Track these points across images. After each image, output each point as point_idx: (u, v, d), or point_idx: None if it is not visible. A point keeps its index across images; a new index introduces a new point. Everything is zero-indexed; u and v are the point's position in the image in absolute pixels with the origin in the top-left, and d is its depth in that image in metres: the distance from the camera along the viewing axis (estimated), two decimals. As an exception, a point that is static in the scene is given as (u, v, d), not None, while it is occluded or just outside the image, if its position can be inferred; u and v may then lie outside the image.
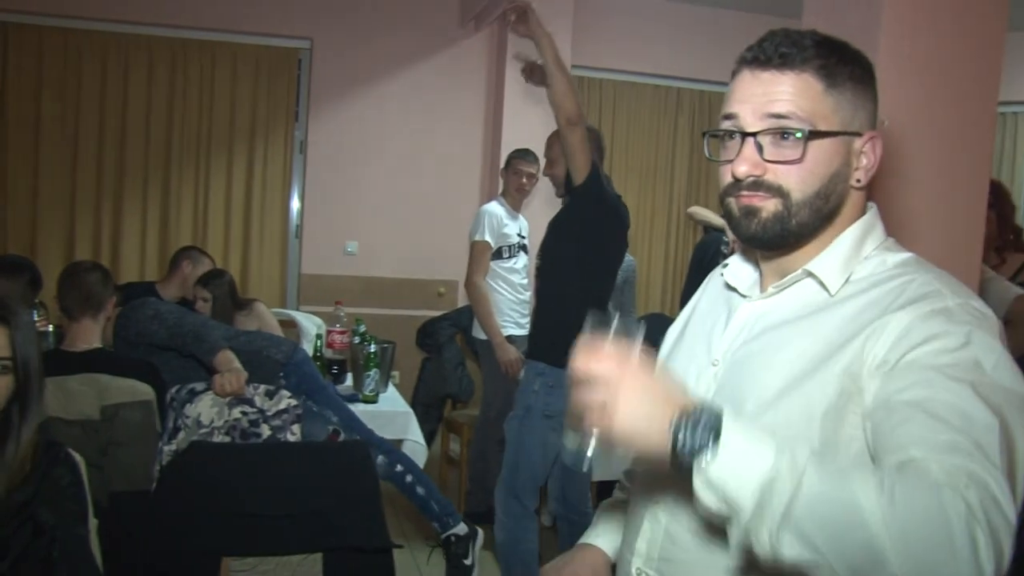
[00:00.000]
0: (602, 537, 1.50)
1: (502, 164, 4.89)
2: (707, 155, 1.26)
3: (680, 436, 0.93)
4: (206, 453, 2.34)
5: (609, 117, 6.29)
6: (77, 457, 1.97)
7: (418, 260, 5.92)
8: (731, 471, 0.91)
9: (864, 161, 1.17)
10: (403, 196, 5.87)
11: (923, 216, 2.28)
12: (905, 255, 1.19)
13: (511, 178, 4.66)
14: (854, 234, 1.18)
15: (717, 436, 0.92)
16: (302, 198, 5.84)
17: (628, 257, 4.67)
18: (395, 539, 2.24)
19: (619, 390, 0.96)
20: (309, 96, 5.75)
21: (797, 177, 1.13)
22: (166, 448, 2.79)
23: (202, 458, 2.27)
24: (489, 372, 4.48)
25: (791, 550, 0.88)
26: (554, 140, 3.45)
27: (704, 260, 4.64)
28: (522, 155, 4.66)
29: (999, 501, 0.87)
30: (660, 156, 6.49)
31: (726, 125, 1.17)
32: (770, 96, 1.13)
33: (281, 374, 3.29)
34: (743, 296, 1.28)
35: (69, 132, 5.34)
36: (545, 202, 4.82)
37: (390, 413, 3.76)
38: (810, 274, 1.18)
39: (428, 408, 5.00)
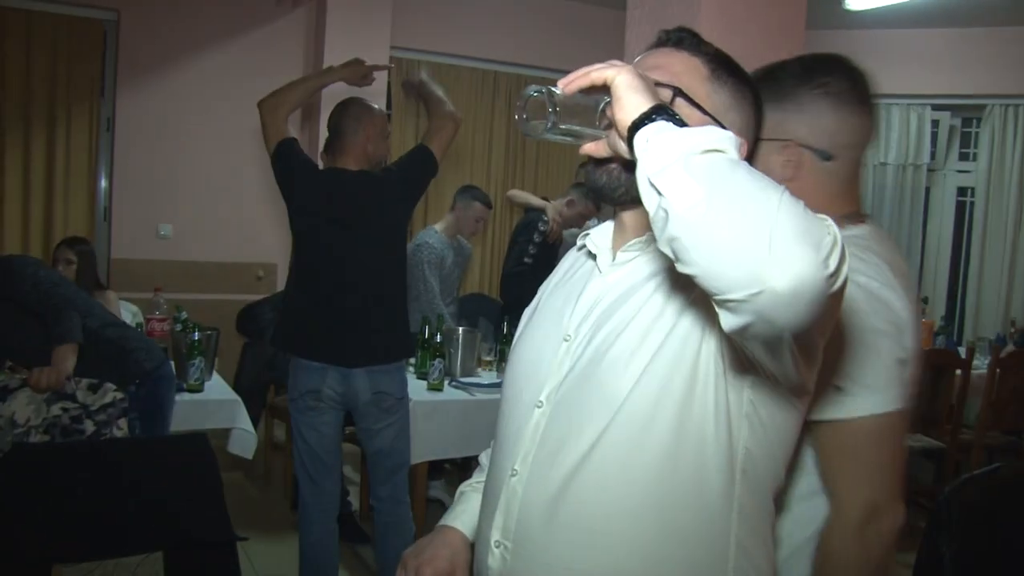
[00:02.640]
0: (460, 519, 1.53)
1: (321, 147, 4.82)
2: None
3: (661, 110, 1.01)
4: (30, 455, 2.21)
5: (429, 98, 6.31)
6: None
7: (235, 243, 5.75)
8: (673, 137, 0.97)
9: None
10: (218, 177, 5.67)
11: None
12: None
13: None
14: None
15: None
16: (110, 178, 5.54)
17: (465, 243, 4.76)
18: (239, 531, 2.20)
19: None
20: (116, 71, 5.44)
21: None
22: (-23, 450, 2.61)
23: (26, 461, 2.14)
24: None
25: (692, 171, 0.92)
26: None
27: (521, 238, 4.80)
28: None
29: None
30: (477, 139, 6.58)
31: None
32: (658, 65, 1.23)
33: (136, 383, 3.03)
34: (596, 269, 1.34)
35: None
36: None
37: (217, 402, 3.66)
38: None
39: (251, 394, 4.88)
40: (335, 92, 3.52)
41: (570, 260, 1.49)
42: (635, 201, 1.08)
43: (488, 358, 4.35)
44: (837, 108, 1.43)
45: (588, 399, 1.22)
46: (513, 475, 1.29)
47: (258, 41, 5.74)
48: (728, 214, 0.90)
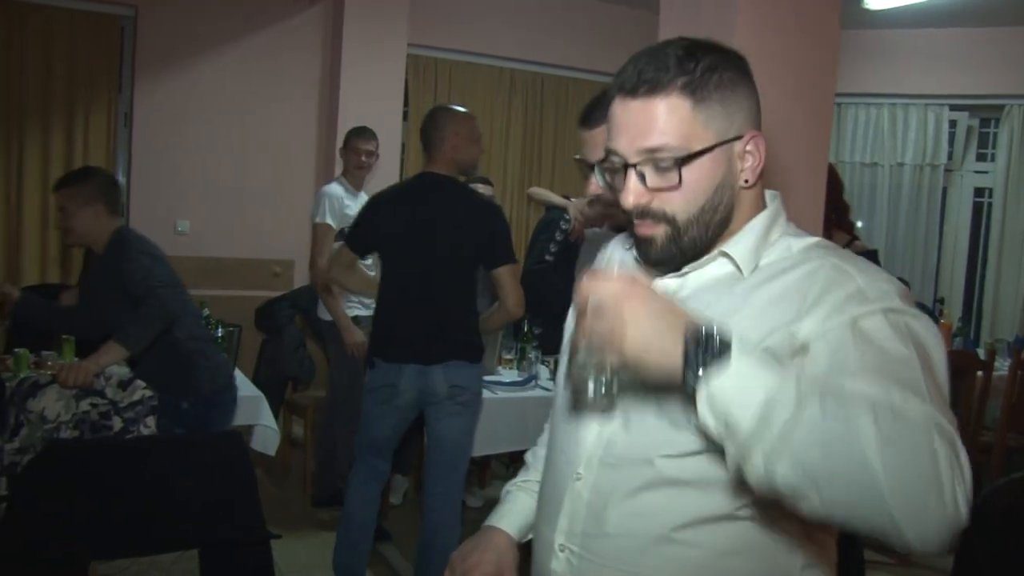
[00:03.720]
0: (506, 519, 1.52)
1: (340, 143, 4.83)
2: (603, 185, 1.28)
3: (691, 351, 0.96)
4: (66, 452, 2.21)
5: (444, 97, 6.29)
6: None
7: (252, 239, 5.74)
8: (735, 390, 0.94)
9: (749, 161, 1.20)
10: (236, 173, 5.66)
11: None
12: (809, 240, 1.24)
13: (350, 157, 4.63)
14: (762, 223, 1.23)
15: (724, 354, 0.95)
16: (127, 174, 5.52)
17: None
18: (273, 528, 2.19)
19: (625, 310, 0.99)
20: (134, 67, 5.43)
21: (681, 201, 1.17)
22: (7, 447, 2.61)
23: (62, 458, 2.13)
24: (336, 354, 4.43)
25: (783, 473, 0.92)
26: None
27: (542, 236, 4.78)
28: (359, 133, 4.64)
29: (959, 448, 0.93)
30: (494, 137, 6.56)
31: (612, 159, 1.20)
32: (641, 128, 1.15)
33: (190, 401, 3.07)
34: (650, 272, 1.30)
35: None
36: (388, 180, 4.79)
37: (240, 398, 3.64)
38: (725, 255, 1.22)
39: (269, 391, 4.88)
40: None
41: (617, 260, 1.46)
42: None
43: (508, 356, 4.34)
44: (752, 87, 1.24)
45: (654, 408, 1.20)
46: (578, 479, 1.27)
47: (275, 38, 5.73)
48: (844, 505, 0.91)
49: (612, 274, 1.03)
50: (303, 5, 5.77)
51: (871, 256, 3.39)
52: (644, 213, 1.19)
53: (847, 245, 3.37)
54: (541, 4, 6.49)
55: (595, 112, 1.62)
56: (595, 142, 1.57)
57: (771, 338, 1.11)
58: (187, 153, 5.54)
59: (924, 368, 1.02)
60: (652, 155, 1.15)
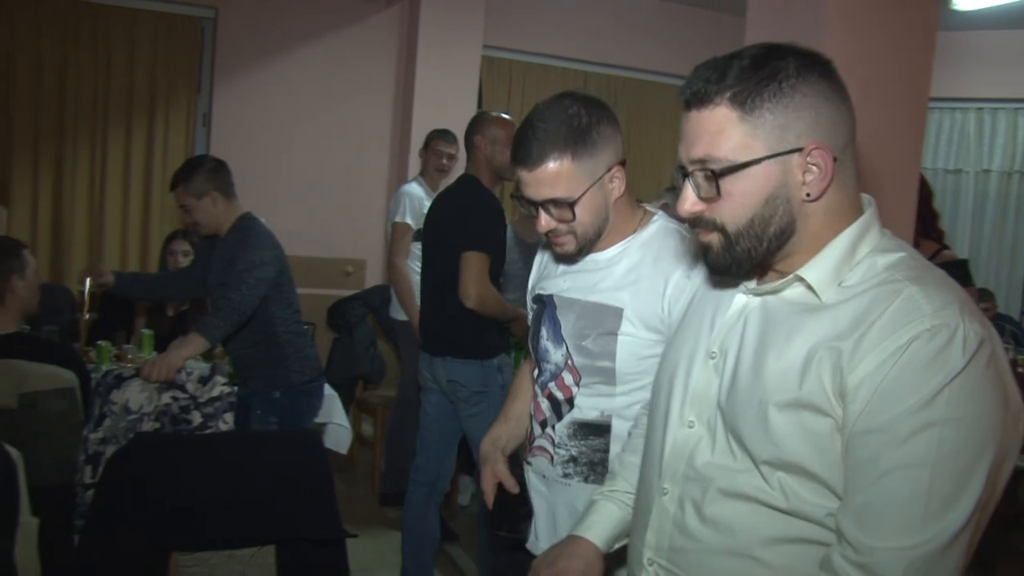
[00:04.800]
0: (592, 529, 1.51)
1: (419, 143, 4.87)
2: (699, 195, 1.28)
3: None
4: (151, 445, 2.24)
5: (518, 99, 6.28)
6: (15, 454, 1.86)
7: (325, 239, 5.79)
8: None
9: (812, 174, 1.14)
10: (311, 172, 5.72)
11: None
12: (895, 256, 1.18)
13: (430, 158, 4.66)
14: (847, 239, 1.18)
15: None
16: (205, 173, 5.61)
17: None
18: (348, 528, 2.20)
19: None
20: (213, 67, 5.53)
21: (728, 210, 1.17)
22: (92, 436, 2.66)
23: (147, 450, 2.17)
24: (407, 353, 4.45)
25: None
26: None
27: None
28: (441, 135, 4.68)
29: None
30: (567, 138, 6.53)
31: (678, 166, 1.24)
32: (691, 140, 1.18)
33: (281, 391, 3.16)
34: (734, 287, 1.30)
35: (-49, 96, 4.98)
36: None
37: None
38: (800, 279, 1.19)
39: (340, 389, 4.92)
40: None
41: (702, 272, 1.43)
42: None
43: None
44: (827, 94, 1.17)
45: (743, 425, 1.18)
46: (664, 493, 1.27)
47: (351, 39, 5.78)
48: None
49: None
50: (379, 6, 5.81)
51: (961, 267, 3.28)
52: (697, 221, 1.21)
53: (935, 255, 3.26)
54: (617, 6, 6.44)
55: (532, 152, 1.70)
56: (536, 180, 1.71)
57: (818, 363, 1.12)
58: (263, 152, 5.62)
59: (942, 462, 1.04)
60: (701, 165, 1.17)
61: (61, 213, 5.23)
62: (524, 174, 1.70)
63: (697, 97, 1.16)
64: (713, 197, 1.16)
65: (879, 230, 1.22)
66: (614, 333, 1.74)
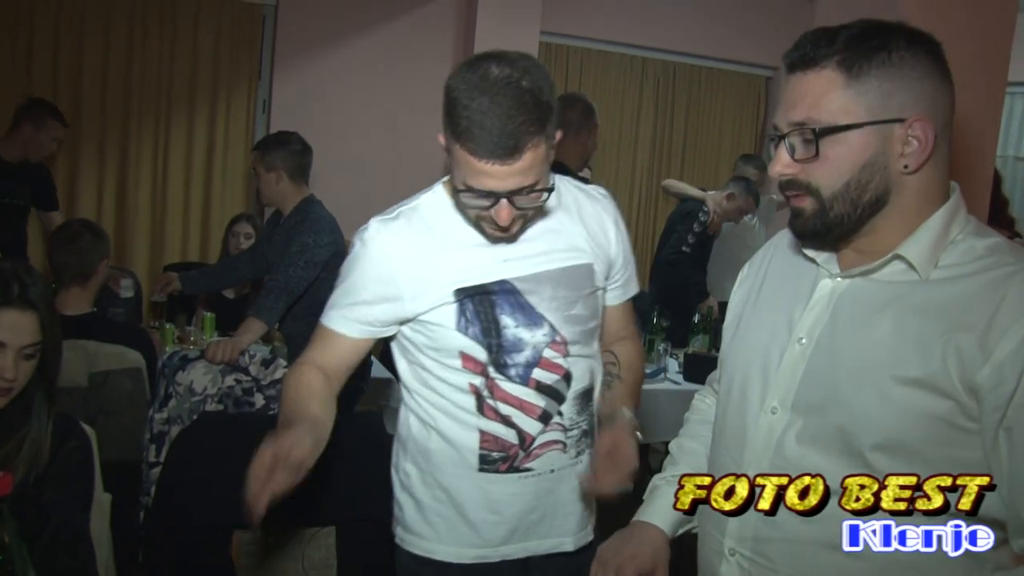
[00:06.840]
0: (658, 515, 1.49)
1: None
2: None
3: None
4: (215, 424, 2.27)
5: (575, 86, 6.24)
6: (89, 431, 1.89)
7: (383, 225, 5.81)
8: None
9: (913, 146, 1.15)
10: (370, 159, 5.75)
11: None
12: (992, 240, 1.19)
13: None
14: (941, 219, 1.18)
15: None
16: (265, 159, 5.67)
17: None
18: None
19: None
20: (273, 54, 5.58)
21: (823, 172, 1.16)
22: (157, 416, 2.71)
23: (211, 429, 2.20)
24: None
25: None
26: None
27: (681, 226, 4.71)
28: None
29: None
30: (625, 126, 6.48)
31: (772, 131, 1.23)
32: (792, 101, 1.17)
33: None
34: (821, 269, 1.27)
35: (20, 84, 5.09)
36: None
37: (371, 380, 3.70)
38: (900, 257, 1.18)
39: (394, 373, 4.95)
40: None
41: (781, 256, 1.40)
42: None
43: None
44: (932, 72, 1.17)
45: (849, 406, 1.16)
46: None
47: (409, 26, 5.79)
48: None
49: None
50: (438, -7, 5.81)
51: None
52: (789, 183, 1.20)
53: (1006, 243, 3.18)
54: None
55: (506, 143, 1.51)
56: (510, 172, 1.52)
57: (942, 349, 1.09)
58: (321, 140, 5.59)
59: None
60: (800, 127, 1.15)
61: (125, 199, 5.34)
62: (494, 167, 1.50)
63: (803, 60, 1.17)
64: (810, 158, 1.16)
65: (966, 215, 1.22)
66: (594, 290, 1.71)
